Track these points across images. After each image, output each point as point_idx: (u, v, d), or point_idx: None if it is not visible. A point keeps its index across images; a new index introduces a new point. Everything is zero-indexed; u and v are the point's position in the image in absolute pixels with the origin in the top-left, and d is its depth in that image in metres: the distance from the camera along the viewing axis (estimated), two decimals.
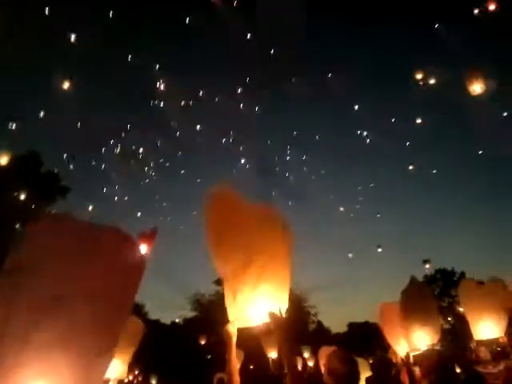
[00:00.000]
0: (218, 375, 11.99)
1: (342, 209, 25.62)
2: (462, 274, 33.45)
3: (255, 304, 2.66)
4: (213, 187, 2.95)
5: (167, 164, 21.65)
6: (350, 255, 28.18)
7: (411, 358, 5.25)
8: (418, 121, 17.23)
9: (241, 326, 2.75)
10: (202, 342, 17.37)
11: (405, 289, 5.01)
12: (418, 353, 4.71)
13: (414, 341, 4.62)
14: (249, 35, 17.08)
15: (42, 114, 16.12)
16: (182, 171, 24.29)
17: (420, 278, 5.99)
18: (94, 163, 21.38)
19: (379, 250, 21.08)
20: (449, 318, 31.63)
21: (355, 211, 28.19)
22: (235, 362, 2.75)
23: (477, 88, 8.25)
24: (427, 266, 19.45)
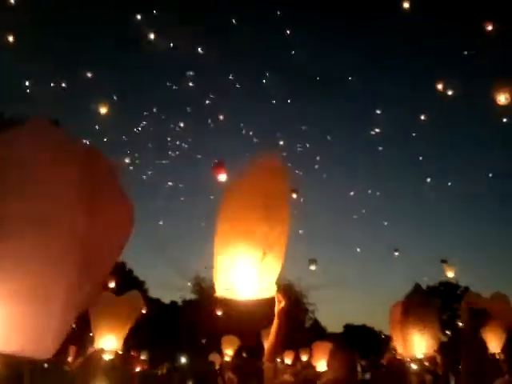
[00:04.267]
0: (212, 356, 12.16)
1: (350, 207, 25.36)
2: (466, 289, 33.08)
3: (247, 276, 2.61)
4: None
5: (185, 146, 21.53)
6: (358, 249, 27.72)
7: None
8: (422, 117, 16.36)
9: (229, 297, 2.68)
10: (219, 313, 17.60)
11: (408, 294, 4.96)
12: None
13: (411, 347, 4.58)
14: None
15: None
16: (199, 156, 24.21)
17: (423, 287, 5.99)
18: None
19: (396, 253, 20.68)
20: (447, 332, 31.40)
21: (363, 216, 27.89)
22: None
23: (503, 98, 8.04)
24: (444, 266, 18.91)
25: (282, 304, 2.66)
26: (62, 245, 1.66)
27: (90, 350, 5.19)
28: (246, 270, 2.59)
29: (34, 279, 1.58)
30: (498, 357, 6.12)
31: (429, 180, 21.37)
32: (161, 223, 24.71)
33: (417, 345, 4.55)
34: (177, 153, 21.03)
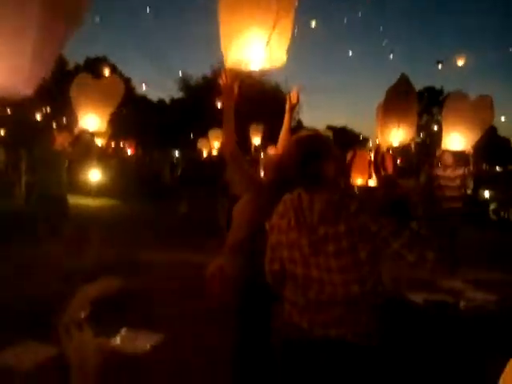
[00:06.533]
0: (200, 143, 12.86)
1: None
2: (449, 94, 33.45)
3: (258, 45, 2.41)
4: None
5: None
6: (350, 53, 26.59)
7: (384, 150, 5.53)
8: None
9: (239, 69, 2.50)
10: (219, 106, 16.90)
11: (392, 85, 4.89)
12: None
13: (389, 136, 4.77)
14: None
15: None
16: None
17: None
18: None
19: (391, 56, 19.88)
20: (421, 134, 32.99)
21: (359, 18, 25.79)
22: (232, 118, 2.46)
23: None
24: (440, 66, 18.57)
25: (295, 102, 2.75)
26: None
27: (77, 130, 5.26)
28: (255, 40, 2.42)
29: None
30: (467, 152, 6.35)
31: None
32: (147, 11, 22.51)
33: (394, 133, 4.72)
34: None
